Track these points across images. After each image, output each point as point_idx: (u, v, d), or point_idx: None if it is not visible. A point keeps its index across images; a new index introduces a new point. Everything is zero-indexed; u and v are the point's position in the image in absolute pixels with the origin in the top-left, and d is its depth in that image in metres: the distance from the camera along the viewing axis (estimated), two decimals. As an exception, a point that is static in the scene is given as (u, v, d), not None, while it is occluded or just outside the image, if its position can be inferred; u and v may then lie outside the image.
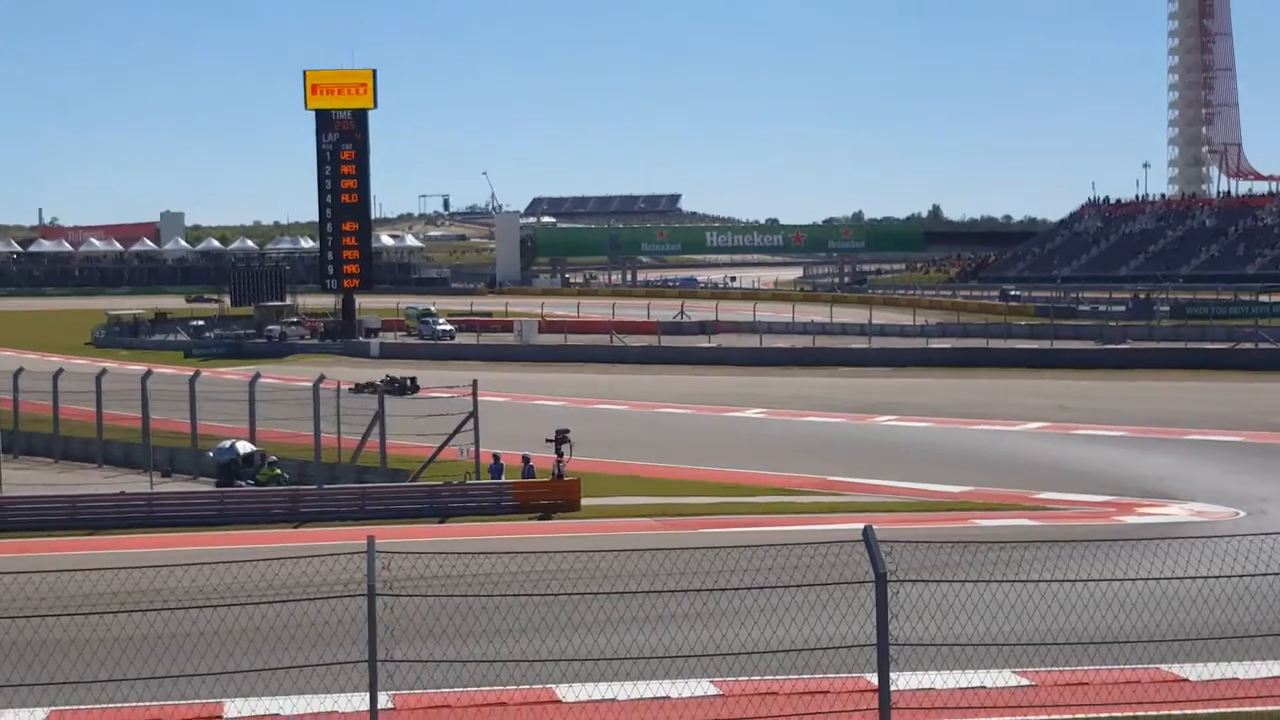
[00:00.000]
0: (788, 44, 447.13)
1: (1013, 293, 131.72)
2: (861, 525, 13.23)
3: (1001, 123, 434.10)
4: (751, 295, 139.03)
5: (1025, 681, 16.34)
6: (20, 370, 47.17)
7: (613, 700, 15.65)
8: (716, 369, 73.38)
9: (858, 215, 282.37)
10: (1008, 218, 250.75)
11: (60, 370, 46.62)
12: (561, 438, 34.54)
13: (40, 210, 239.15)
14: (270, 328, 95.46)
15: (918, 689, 15.39)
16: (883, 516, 30.14)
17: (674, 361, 76.84)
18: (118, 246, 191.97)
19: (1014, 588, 15.67)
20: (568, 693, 15.94)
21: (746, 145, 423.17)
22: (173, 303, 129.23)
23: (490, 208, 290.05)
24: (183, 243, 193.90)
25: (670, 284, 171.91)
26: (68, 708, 15.54)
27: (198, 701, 15.81)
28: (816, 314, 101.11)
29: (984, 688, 15.66)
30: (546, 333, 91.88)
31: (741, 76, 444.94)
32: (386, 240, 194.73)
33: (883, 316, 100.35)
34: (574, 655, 15.99)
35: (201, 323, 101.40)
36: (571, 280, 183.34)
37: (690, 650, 15.92)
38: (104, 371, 45.77)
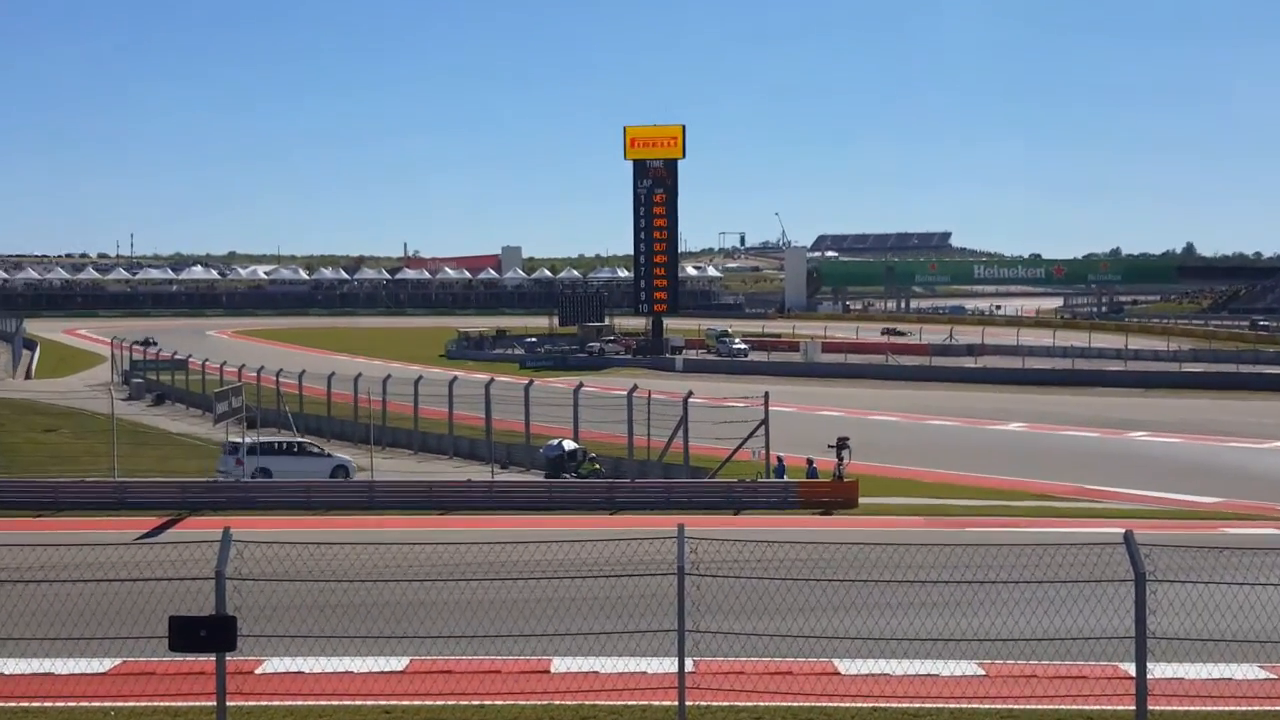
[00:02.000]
0: (1047, 86, 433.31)
1: (1262, 323, 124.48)
2: (1118, 530, 12.73)
3: (1258, 159, 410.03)
4: (1015, 322, 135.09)
5: (1270, 675, 15.43)
6: (388, 377, 49.49)
7: (887, 675, 15.43)
8: (981, 387, 71.63)
9: (1115, 251, 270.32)
10: (1258, 254, 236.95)
11: (420, 377, 48.63)
12: (842, 444, 34.29)
13: (405, 244, 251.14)
14: (591, 344, 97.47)
15: (1170, 678, 14.72)
16: (1138, 522, 28.85)
17: (943, 379, 75.37)
18: (466, 275, 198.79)
19: (1263, 590, 14.83)
20: (848, 666, 15.78)
21: (1012, 185, 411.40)
22: (511, 322, 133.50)
23: (781, 243, 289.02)
24: (520, 272, 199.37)
25: (940, 311, 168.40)
26: (425, 658, 16.19)
27: (531, 658, 16.25)
28: (1075, 339, 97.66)
29: (1231, 679, 14.88)
30: (829, 352, 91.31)
31: (1006, 120, 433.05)
32: (690, 271, 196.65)
33: (1138, 342, 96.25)
34: (853, 634, 15.83)
35: (534, 339, 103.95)
36: (851, 307, 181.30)
37: (958, 634, 15.58)
38: (455, 379, 47.59)
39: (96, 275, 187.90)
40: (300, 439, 42.11)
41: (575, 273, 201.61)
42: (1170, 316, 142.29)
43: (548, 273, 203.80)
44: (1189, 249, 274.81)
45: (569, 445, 38.66)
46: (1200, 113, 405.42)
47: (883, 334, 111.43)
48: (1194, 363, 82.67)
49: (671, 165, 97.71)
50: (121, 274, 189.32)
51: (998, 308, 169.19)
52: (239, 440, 38.67)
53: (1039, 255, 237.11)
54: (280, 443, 40.17)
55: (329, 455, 39.95)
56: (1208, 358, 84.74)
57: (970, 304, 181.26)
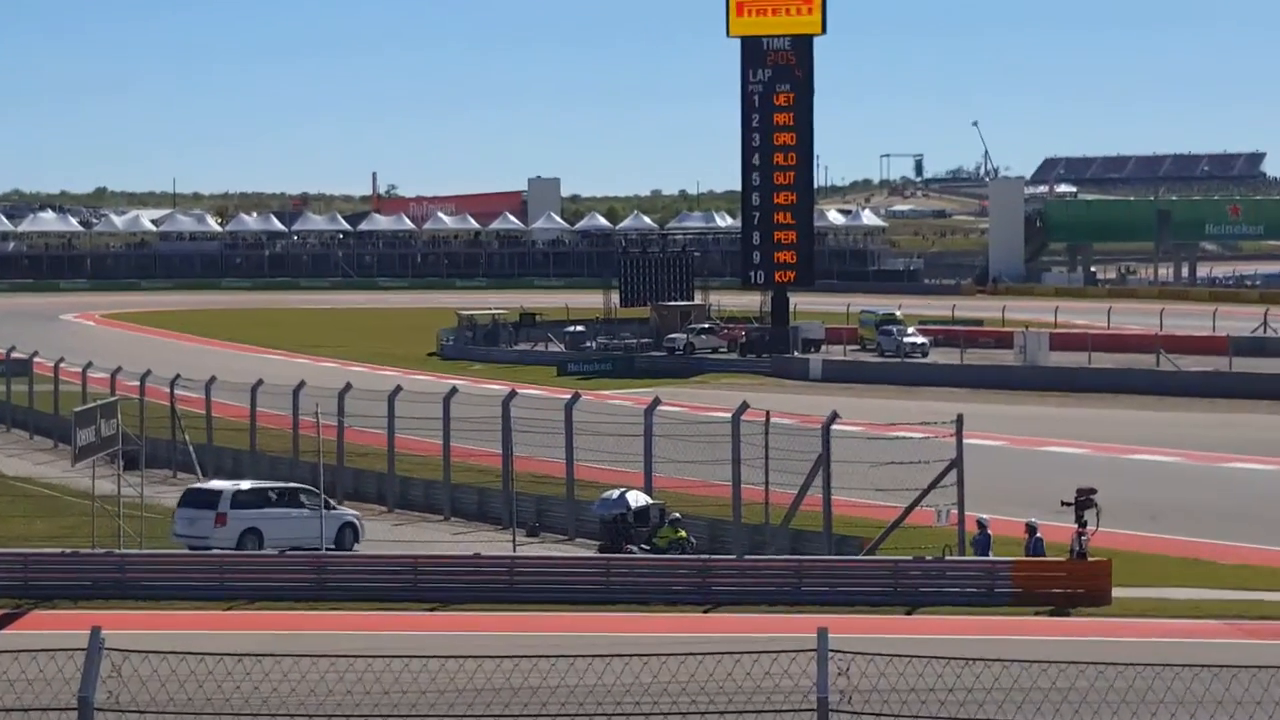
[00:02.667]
0: None
1: None
2: None
3: None
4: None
5: None
6: (347, 388, 49.74)
7: None
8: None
9: None
10: None
11: (397, 389, 48.84)
12: (1084, 500, 33.88)
13: (374, 176, 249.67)
14: (672, 336, 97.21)
15: None
16: None
17: (1252, 395, 74.16)
18: (472, 224, 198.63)
19: None
20: None
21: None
22: (543, 300, 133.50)
23: (982, 172, 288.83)
24: (556, 219, 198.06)
25: (1249, 282, 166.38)
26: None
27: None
28: None
29: None
30: (1061, 350, 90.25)
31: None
32: (834, 217, 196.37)
33: None
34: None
35: (580, 328, 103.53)
36: (1099, 276, 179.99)
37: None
38: (453, 391, 47.77)
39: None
40: (291, 484, 42.89)
41: (646, 220, 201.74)
42: None
43: (601, 220, 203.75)
44: None
45: (638, 499, 38.59)
46: None
47: None
48: None
49: (804, 45, 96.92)
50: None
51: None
52: (219, 486, 40.47)
53: None
54: (274, 490, 41.60)
55: (333, 507, 41.32)
56: None
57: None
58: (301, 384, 50.80)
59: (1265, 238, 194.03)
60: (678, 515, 38.55)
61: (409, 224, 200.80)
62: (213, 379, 55.00)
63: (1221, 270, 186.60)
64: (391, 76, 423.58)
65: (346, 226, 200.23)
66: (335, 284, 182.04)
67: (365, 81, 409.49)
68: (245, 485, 41.65)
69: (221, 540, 38.65)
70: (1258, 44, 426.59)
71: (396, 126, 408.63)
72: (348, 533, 40.67)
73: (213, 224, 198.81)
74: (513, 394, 45.07)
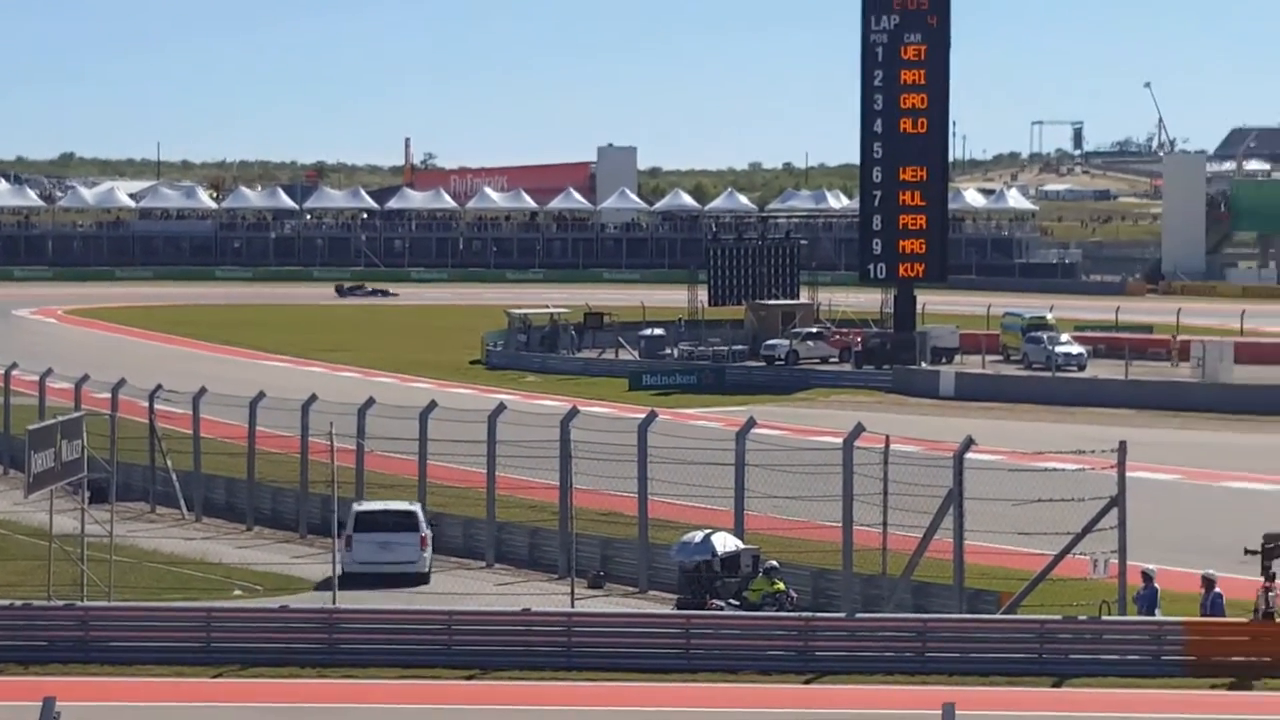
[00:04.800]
0: None
1: None
2: None
3: None
4: None
5: None
6: (369, 404, 49.52)
7: None
8: None
9: None
10: None
11: (432, 405, 48.70)
12: (1273, 548, 33.81)
13: (407, 142, 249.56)
14: (772, 343, 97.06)
15: None
16: None
17: None
18: (528, 202, 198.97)
19: None
20: None
21: None
22: (613, 295, 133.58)
23: (1155, 145, 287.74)
24: (631, 196, 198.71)
25: None
26: None
27: None
28: None
29: None
30: (1248, 363, 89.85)
31: None
32: (972, 198, 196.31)
33: None
34: None
35: (659, 332, 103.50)
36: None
37: None
38: (500, 408, 47.72)
39: None
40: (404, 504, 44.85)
41: (742, 199, 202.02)
42: None
43: (686, 199, 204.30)
44: None
45: (726, 544, 38.57)
46: None
47: None
48: None
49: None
50: None
51: None
52: (400, 506, 43.70)
53: None
54: (389, 511, 44.09)
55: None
56: None
57: None
58: (312, 398, 50.67)
59: None
60: (774, 563, 38.45)
61: (449, 201, 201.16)
62: (202, 391, 54.84)
63: None
64: (427, 25, 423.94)
65: (372, 204, 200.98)
66: (357, 274, 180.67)
67: (396, 30, 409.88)
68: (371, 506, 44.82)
69: (423, 565, 42.75)
70: None
71: (434, 84, 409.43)
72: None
73: (205, 199, 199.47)
74: (574, 412, 44.98)
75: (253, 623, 35.60)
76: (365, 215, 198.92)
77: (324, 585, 39.88)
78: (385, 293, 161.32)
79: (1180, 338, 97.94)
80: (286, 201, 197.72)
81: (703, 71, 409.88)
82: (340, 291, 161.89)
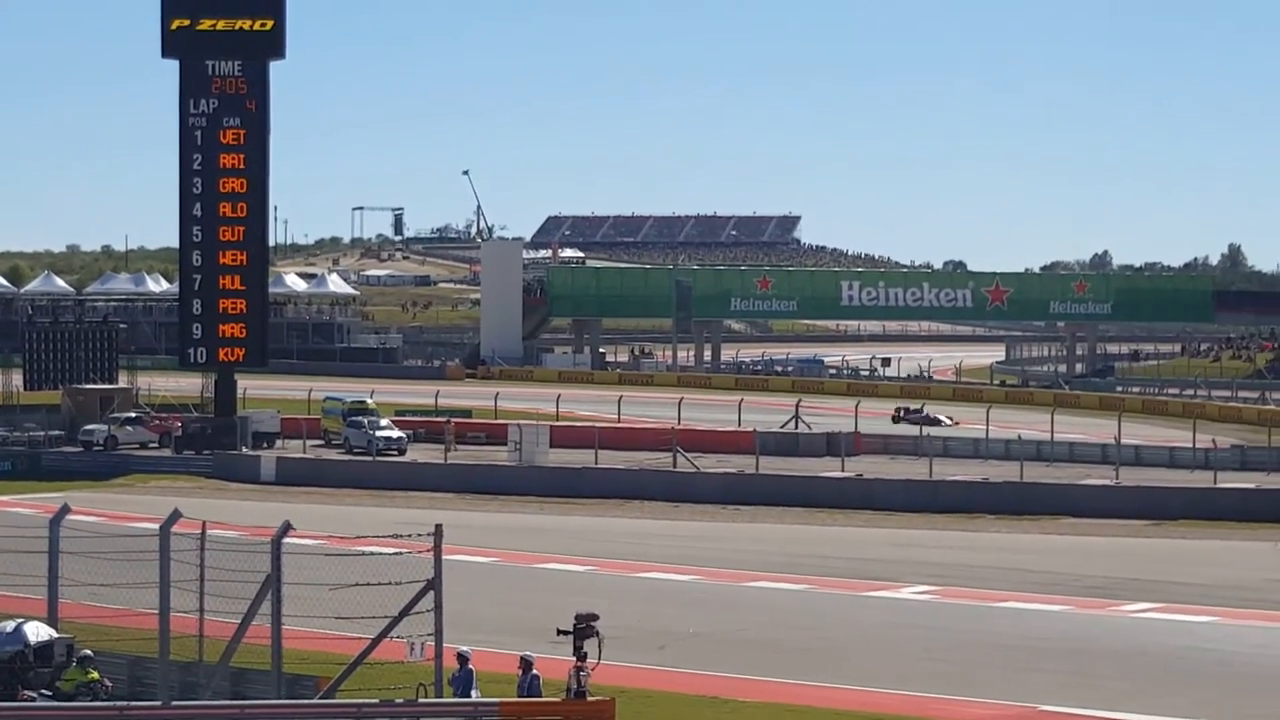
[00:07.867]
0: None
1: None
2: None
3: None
4: (917, 391, 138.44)
5: None
6: None
7: None
8: (853, 516, 73.26)
9: (1100, 260, 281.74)
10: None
11: None
12: (585, 628, 34.38)
13: None
14: (90, 427, 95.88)
15: None
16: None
17: (781, 501, 76.56)
18: None
19: None
20: None
21: (905, 149, 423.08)
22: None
23: (474, 232, 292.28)
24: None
25: (779, 368, 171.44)
26: None
27: None
28: (1027, 424, 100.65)
29: None
30: (564, 446, 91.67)
31: (895, 49, 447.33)
32: (294, 282, 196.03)
33: (1140, 433, 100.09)
34: None
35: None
36: (610, 359, 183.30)
37: None
38: None
39: None
40: None
41: (59, 281, 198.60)
42: (1202, 384, 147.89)
43: (3, 281, 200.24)
44: (1233, 258, 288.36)
45: (39, 633, 37.85)
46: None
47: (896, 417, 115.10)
48: (1240, 471, 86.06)
49: (258, 72, 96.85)
50: None
51: (885, 362, 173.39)
52: None
53: (963, 265, 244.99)
54: None
55: None
56: (1269, 463, 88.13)
57: (834, 353, 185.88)
58: None
59: (799, 315, 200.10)
60: (88, 653, 37.88)
61: None
62: None
63: (750, 353, 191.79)
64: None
65: None
66: None
67: None
68: None
69: None
70: (793, 103, 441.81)
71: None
72: None
73: None
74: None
75: None
76: None
77: None
78: None
79: (499, 420, 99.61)
80: None
81: (16, 149, 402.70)
82: None
